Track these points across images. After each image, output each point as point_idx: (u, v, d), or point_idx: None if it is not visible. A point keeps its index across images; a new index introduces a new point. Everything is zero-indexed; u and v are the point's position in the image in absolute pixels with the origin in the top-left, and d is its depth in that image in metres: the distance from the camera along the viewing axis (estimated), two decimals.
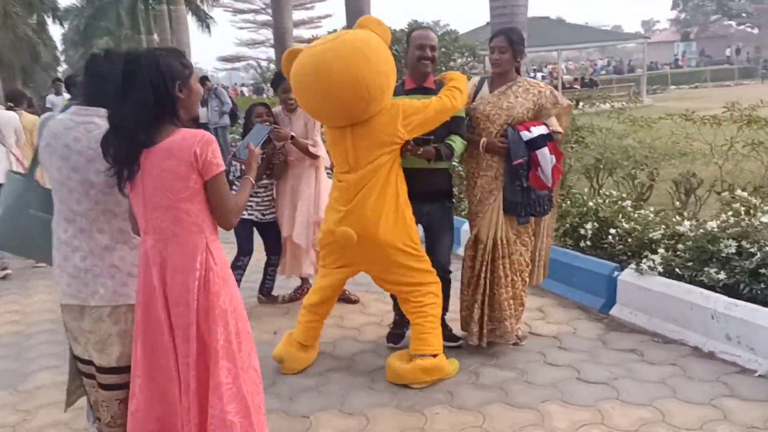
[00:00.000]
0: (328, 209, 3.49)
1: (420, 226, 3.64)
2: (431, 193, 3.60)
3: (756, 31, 50.51)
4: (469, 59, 20.96)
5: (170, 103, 2.10)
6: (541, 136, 3.40)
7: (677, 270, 3.89)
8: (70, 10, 31.48)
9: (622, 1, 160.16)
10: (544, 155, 3.38)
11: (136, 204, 2.16)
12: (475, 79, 3.69)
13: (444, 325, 3.78)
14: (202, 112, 12.20)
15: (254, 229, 4.61)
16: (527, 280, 3.69)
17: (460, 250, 5.44)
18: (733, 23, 55.67)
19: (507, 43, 3.45)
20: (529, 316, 4.21)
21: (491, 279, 3.57)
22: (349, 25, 11.65)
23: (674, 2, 58.22)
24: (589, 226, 4.66)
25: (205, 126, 12.26)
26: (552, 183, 3.46)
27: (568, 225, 4.96)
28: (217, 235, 2.23)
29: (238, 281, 4.38)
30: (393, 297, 3.78)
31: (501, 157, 3.48)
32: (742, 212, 4.02)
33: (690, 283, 3.77)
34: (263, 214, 4.55)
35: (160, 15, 25.90)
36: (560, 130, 3.54)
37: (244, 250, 4.55)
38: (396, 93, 3.46)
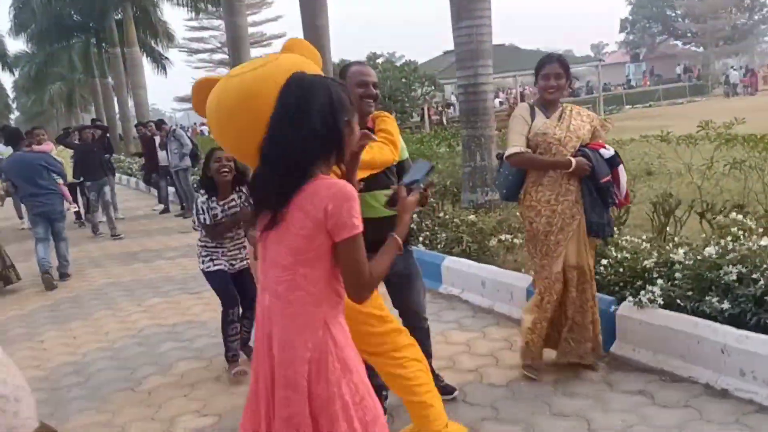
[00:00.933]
0: None
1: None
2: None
3: (701, 49, 52.24)
4: (429, 88, 21.16)
5: (338, 140, 1.79)
6: (615, 153, 3.48)
7: (678, 301, 3.68)
8: (21, 57, 30.77)
9: (572, 26, 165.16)
10: (623, 172, 3.48)
11: (260, 252, 1.87)
12: (523, 109, 3.56)
13: (435, 376, 3.48)
14: (162, 156, 11.87)
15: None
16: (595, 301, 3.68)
17: (442, 288, 5.21)
18: (679, 43, 57.58)
19: (562, 68, 3.43)
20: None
21: (580, 304, 3.54)
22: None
23: (622, 25, 60.03)
24: None
25: (165, 169, 11.90)
26: (626, 200, 3.65)
27: None
28: (340, 312, 1.84)
29: (235, 336, 4.16)
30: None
31: (578, 180, 3.43)
32: (742, 237, 3.84)
33: (692, 314, 3.57)
34: (232, 264, 4.17)
35: (114, 58, 25.49)
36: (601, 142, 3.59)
37: (230, 302, 4.13)
38: None
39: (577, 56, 38.41)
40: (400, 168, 3.12)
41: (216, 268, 4.08)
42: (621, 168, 3.48)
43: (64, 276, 7.73)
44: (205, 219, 3.95)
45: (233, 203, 4.06)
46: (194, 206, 4.04)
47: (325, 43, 11.42)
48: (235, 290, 4.15)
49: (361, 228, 1.76)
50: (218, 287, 4.13)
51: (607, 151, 3.43)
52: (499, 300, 4.85)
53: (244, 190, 4.05)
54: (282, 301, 1.77)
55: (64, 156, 10.75)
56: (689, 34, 55.12)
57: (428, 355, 3.48)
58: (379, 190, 2.95)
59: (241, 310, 4.24)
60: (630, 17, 59.60)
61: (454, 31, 7.44)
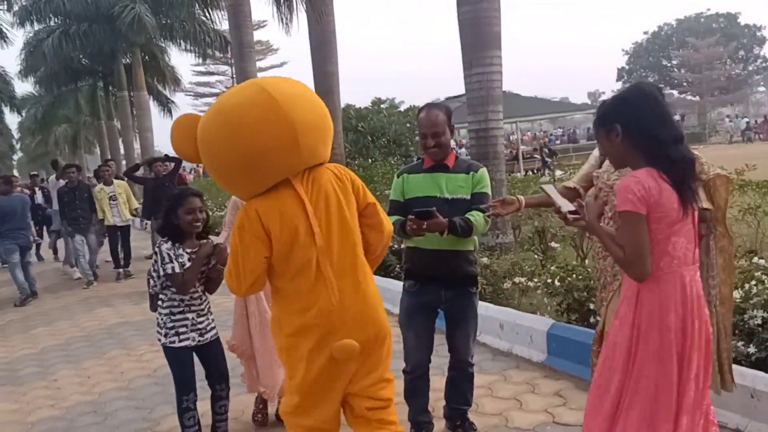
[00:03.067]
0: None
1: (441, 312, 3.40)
2: (452, 279, 3.30)
3: (697, 98, 53.16)
4: None
5: None
6: None
7: None
8: (28, 99, 31.20)
9: (569, 74, 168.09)
10: None
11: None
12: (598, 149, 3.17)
13: (470, 424, 3.52)
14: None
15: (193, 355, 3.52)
16: None
17: (481, 337, 5.06)
18: (675, 92, 58.63)
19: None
20: (549, 402, 3.92)
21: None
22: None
23: (619, 74, 61.21)
24: None
25: None
26: None
27: (571, 300, 4.76)
28: None
29: (194, 427, 3.49)
30: None
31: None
32: (766, 281, 3.87)
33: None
34: (202, 335, 3.47)
35: (121, 101, 25.85)
36: (706, 206, 2.71)
37: (185, 388, 3.46)
38: (413, 170, 3.35)
39: (576, 103, 39.11)
40: (473, 197, 3.26)
41: (181, 345, 3.39)
42: None
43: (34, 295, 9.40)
44: (173, 267, 3.29)
45: None
46: (156, 256, 3.36)
47: (335, 88, 11.70)
48: (194, 373, 3.48)
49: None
50: (175, 369, 3.46)
51: None
52: (518, 343, 4.84)
53: (210, 238, 3.55)
54: None
55: (120, 191, 10.25)
56: (685, 84, 56.19)
57: (466, 403, 3.52)
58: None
59: (211, 393, 3.64)
60: (627, 67, 60.89)
61: (466, 77, 7.60)
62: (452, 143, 3.48)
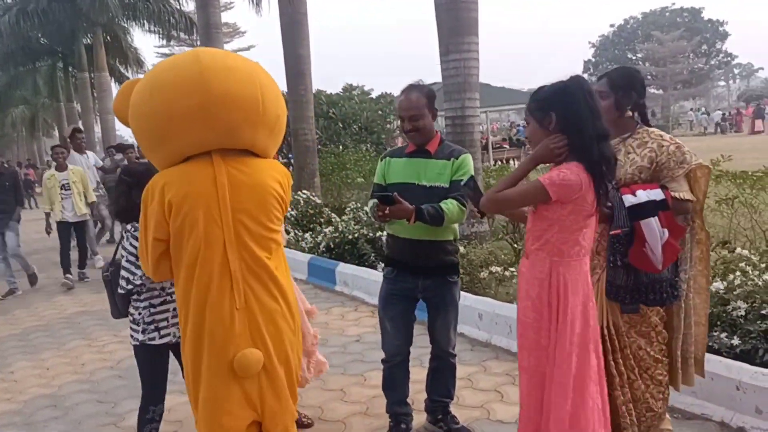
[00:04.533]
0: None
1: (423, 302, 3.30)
2: (428, 267, 3.19)
3: (661, 92, 54.05)
4: None
5: None
6: (652, 202, 2.62)
7: None
8: None
9: (534, 65, 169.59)
10: (650, 227, 2.59)
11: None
12: None
13: (452, 417, 3.44)
14: None
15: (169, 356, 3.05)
16: (661, 379, 2.81)
17: (460, 328, 4.91)
18: None
19: (607, 86, 2.78)
20: None
21: (607, 378, 2.69)
22: (290, 87, 11.41)
23: (585, 66, 61.81)
24: None
25: None
26: (662, 264, 2.64)
27: None
28: None
29: None
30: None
31: (605, 227, 2.72)
32: (750, 271, 3.84)
33: None
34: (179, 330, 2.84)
35: (81, 82, 25.01)
36: (688, 197, 2.70)
37: (155, 397, 3.03)
38: (396, 154, 3.22)
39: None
40: (451, 185, 3.11)
41: (161, 341, 2.93)
42: (650, 222, 2.59)
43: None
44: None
45: None
46: (123, 241, 2.95)
47: (306, 70, 11.43)
48: (165, 379, 3.05)
49: None
50: (147, 371, 3.00)
51: (633, 198, 2.63)
52: (496, 333, 4.75)
53: None
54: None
55: (76, 179, 8.59)
56: (649, 77, 57.01)
57: (448, 395, 3.42)
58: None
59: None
60: (593, 59, 61.50)
61: (442, 63, 7.45)
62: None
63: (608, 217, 2.67)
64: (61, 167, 8.56)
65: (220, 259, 2.17)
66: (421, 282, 3.22)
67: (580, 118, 2.34)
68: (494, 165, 17.78)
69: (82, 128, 14.84)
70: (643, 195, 2.63)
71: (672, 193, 2.67)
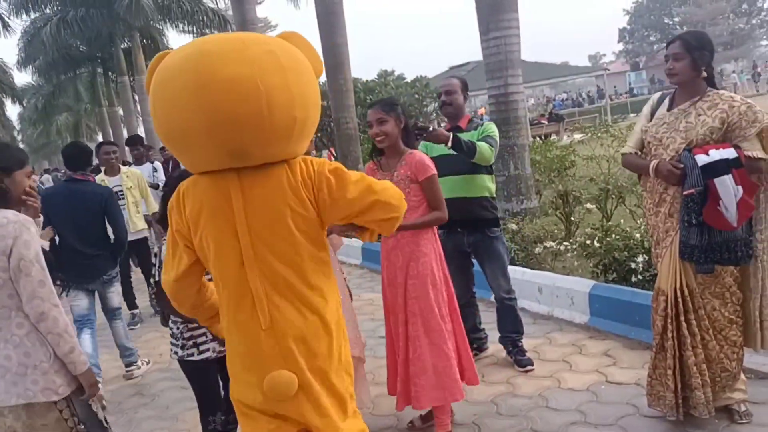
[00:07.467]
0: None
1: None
2: (469, 221, 3.88)
3: None
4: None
5: None
6: (725, 160, 2.66)
7: None
8: (27, 89, 30.98)
9: (568, 38, 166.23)
10: (725, 185, 2.64)
11: None
12: (655, 96, 3.11)
13: (518, 350, 4.07)
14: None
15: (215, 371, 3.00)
16: (735, 340, 2.90)
17: (520, 302, 4.83)
18: None
19: (683, 48, 2.81)
20: (599, 362, 3.92)
21: (678, 338, 2.86)
22: (331, 85, 11.54)
23: (621, 35, 60.42)
24: (640, 259, 4.44)
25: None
26: (737, 222, 2.70)
27: (611, 260, 4.73)
28: None
29: None
30: None
31: (677, 189, 2.82)
32: None
33: None
34: (222, 344, 2.84)
35: (122, 87, 25.62)
36: (761, 155, 2.74)
37: (212, 407, 2.99)
38: None
39: (578, 66, 38.59)
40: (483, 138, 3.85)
41: (201, 357, 2.90)
42: (724, 179, 2.65)
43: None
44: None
45: None
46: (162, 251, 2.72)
47: (344, 60, 11.53)
48: (219, 388, 3.01)
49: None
50: (197, 384, 2.99)
51: (706, 157, 2.68)
52: (558, 306, 4.82)
53: None
54: None
55: (130, 185, 6.53)
56: None
57: (514, 331, 4.09)
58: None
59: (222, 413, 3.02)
60: (628, 27, 60.00)
61: (483, 42, 7.48)
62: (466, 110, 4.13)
63: (680, 178, 2.71)
64: (113, 170, 6.43)
65: (239, 277, 1.98)
66: (466, 238, 3.95)
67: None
68: (533, 141, 17.62)
69: (143, 136, 12.99)
70: (716, 154, 2.67)
71: (745, 153, 2.71)
